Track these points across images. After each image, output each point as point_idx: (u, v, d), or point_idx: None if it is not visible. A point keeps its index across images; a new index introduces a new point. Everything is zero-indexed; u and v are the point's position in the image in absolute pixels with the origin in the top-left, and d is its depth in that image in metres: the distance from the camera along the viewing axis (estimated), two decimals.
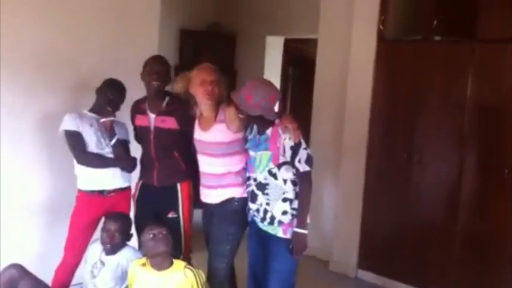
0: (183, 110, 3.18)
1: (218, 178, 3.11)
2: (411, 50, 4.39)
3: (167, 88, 3.33)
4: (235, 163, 3.10)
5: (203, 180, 3.18)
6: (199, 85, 3.05)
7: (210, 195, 3.16)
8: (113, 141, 3.31)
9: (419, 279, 4.30)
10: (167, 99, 3.25)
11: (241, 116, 2.95)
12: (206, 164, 3.14)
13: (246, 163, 3.10)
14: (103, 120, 3.29)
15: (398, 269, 4.43)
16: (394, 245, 4.46)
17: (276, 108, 3.11)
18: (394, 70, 4.48)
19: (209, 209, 3.21)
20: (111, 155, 3.34)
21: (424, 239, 4.27)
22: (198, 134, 3.15)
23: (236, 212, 3.12)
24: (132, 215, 3.42)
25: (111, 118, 3.30)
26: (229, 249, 3.12)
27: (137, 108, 3.35)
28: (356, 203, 4.65)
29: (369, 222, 4.61)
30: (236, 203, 3.12)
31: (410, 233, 4.35)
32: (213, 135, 3.08)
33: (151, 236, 2.92)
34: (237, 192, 3.11)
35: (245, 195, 3.11)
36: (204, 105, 3.10)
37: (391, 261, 4.48)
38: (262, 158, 2.98)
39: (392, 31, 4.49)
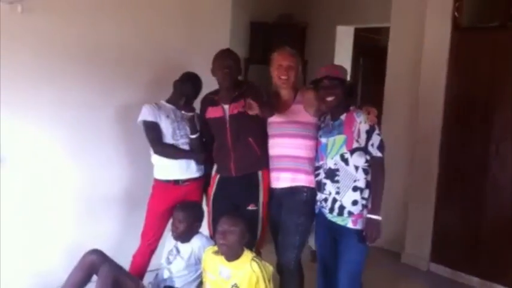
0: (250, 88, 3.22)
1: (290, 160, 3.14)
2: (487, 38, 4.23)
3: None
4: (307, 148, 3.12)
5: (275, 164, 3.20)
6: (275, 69, 3.18)
7: (282, 179, 3.18)
8: (195, 135, 3.38)
9: (496, 274, 4.16)
10: (238, 88, 3.27)
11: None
12: (280, 146, 3.18)
13: (316, 152, 3.11)
14: (187, 114, 3.33)
15: (473, 263, 4.30)
16: (468, 238, 4.34)
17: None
18: (470, 59, 4.33)
19: (278, 199, 3.23)
20: (185, 146, 3.43)
21: (501, 233, 4.12)
22: (276, 117, 3.17)
23: (305, 203, 3.13)
24: (204, 206, 3.47)
25: (192, 113, 3.34)
26: (299, 239, 3.14)
27: (209, 100, 3.37)
28: (429, 195, 4.55)
29: (442, 214, 4.50)
30: (305, 194, 3.13)
31: (487, 227, 4.21)
32: (291, 115, 3.13)
33: (220, 229, 2.97)
34: (307, 181, 3.13)
35: (313, 185, 3.12)
36: (281, 89, 3.18)
37: (466, 255, 4.36)
38: (335, 143, 2.98)
39: (467, 18, 4.35)
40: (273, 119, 3.18)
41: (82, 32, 3.68)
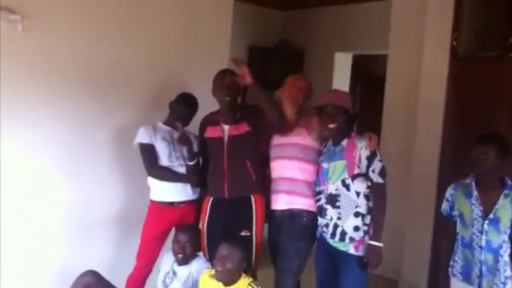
0: (256, 117, 3.22)
1: (290, 183, 3.14)
2: (485, 67, 4.25)
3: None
4: (305, 171, 3.12)
5: (275, 186, 3.21)
6: (287, 86, 3.23)
7: (279, 201, 3.18)
8: (193, 162, 3.37)
9: None
10: (240, 111, 3.29)
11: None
12: (280, 168, 3.18)
13: (318, 176, 3.10)
14: (177, 135, 3.34)
15: None
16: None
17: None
18: (468, 88, 4.35)
19: (277, 223, 3.21)
20: (181, 168, 3.41)
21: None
22: (277, 139, 3.21)
23: (305, 227, 3.11)
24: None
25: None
26: (298, 264, 3.11)
27: (209, 120, 3.37)
28: (427, 223, 4.53)
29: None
30: (305, 218, 3.12)
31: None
32: (292, 137, 3.15)
33: (218, 256, 2.94)
34: (306, 205, 3.12)
35: (313, 209, 3.11)
36: (287, 107, 3.19)
37: None
38: (336, 168, 2.99)
39: (465, 47, 4.37)
40: (275, 142, 3.21)
41: (81, 52, 3.68)
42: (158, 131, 3.44)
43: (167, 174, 3.40)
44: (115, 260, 3.87)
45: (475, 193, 2.81)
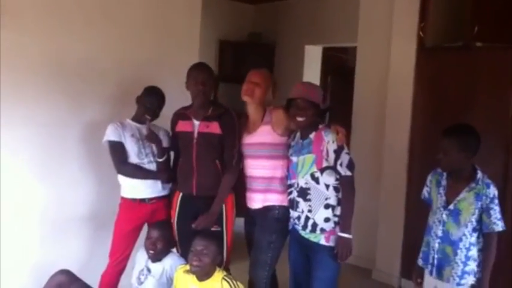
0: (227, 116, 3.22)
1: (261, 181, 3.15)
2: (452, 58, 4.33)
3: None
4: (277, 167, 3.14)
5: (249, 185, 3.22)
6: (244, 83, 3.20)
7: (255, 200, 3.19)
8: (163, 158, 3.36)
9: None
10: (212, 107, 3.27)
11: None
12: (252, 167, 3.19)
13: (288, 170, 3.12)
14: (145, 133, 3.33)
15: None
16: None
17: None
18: (435, 78, 4.43)
19: (251, 217, 3.24)
20: (150, 165, 3.39)
21: None
22: (245, 138, 3.21)
23: (277, 220, 3.13)
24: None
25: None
26: (271, 257, 3.13)
27: (180, 115, 3.35)
28: (398, 211, 4.60)
29: (412, 229, 4.54)
30: (277, 211, 3.14)
31: None
32: (258, 136, 3.15)
33: (193, 251, 2.95)
34: (278, 200, 3.14)
35: (285, 203, 3.13)
36: (248, 104, 3.19)
37: None
38: (305, 162, 3.00)
39: (432, 38, 4.45)
40: (244, 140, 3.21)
41: (47, 49, 3.62)
42: (127, 128, 3.40)
43: (136, 172, 3.38)
44: (89, 258, 3.84)
45: (444, 182, 2.84)
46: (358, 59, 5.19)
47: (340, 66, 6.66)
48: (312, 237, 3.02)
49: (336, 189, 2.98)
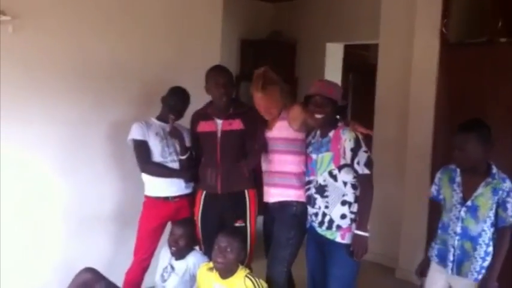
0: (250, 112, 3.26)
1: (279, 176, 3.17)
2: (475, 53, 4.27)
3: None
4: (294, 163, 3.15)
5: (267, 180, 3.24)
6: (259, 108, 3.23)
7: (272, 194, 3.21)
8: (184, 157, 3.39)
9: None
10: (234, 105, 3.30)
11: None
12: (268, 162, 3.22)
13: (307, 167, 3.13)
14: (168, 129, 3.36)
15: None
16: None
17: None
18: (458, 74, 4.38)
19: (271, 215, 3.25)
20: (174, 164, 3.43)
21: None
22: (267, 133, 3.24)
23: (294, 216, 3.14)
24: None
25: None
26: (289, 253, 3.13)
27: (201, 115, 3.37)
28: (422, 209, 4.56)
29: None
30: (294, 208, 3.15)
31: None
32: (276, 131, 3.18)
33: (217, 248, 2.96)
34: (296, 195, 3.15)
35: (303, 199, 3.14)
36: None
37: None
38: (323, 160, 3.01)
39: (455, 34, 4.40)
40: (266, 135, 3.23)
41: (72, 49, 3.68)
42: (151, 127, 3.45)
43: (160, 170, 3.41)
44: (113, 255, 3.90)
45: (458, 179, 2.81)
46: (380, 55, 5.15)
47: (361, 64, 6.63)
48: (328, 235, 3.02)
49: (353, 186, 2.98)
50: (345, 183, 2.97)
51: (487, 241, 2.73)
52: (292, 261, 3.18)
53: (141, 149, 3.40)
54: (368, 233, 2.94)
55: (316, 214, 3.05)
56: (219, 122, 3.27)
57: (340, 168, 2.96)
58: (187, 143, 3.42)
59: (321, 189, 3.02)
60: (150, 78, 4.01)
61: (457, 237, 2.78)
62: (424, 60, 4.55)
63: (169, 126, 3.37)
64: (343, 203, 2.98)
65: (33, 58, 3.52)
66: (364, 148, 2.93)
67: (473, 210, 2.74)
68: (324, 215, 3.01)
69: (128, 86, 3.95)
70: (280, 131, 3.17)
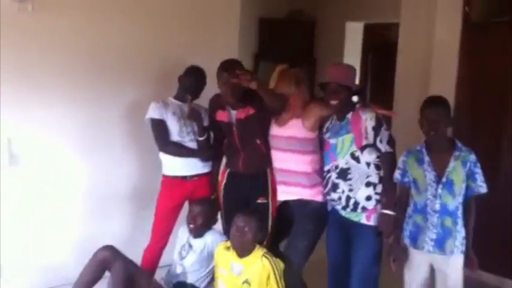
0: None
1: (292, 175, 3.14)
2: (498, 32, 4.19)
3: None
4: (305, 163, 3.11)
5: (278, 177, 3.22)
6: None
7: (287, 193, 3.19)
8: (204, 137, 3.39)
9: (509, 271, 4.11)
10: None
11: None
12: (280, 160, 3.19)
13: (325, 155, 3.09)
14: (187, 113, 3.35)
15: (486, 261, 4.25)
16: (481, 237, 4.29)
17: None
18: (481, 53, 4.30)
19: (289, 207, 3.23)
20: (192, 143, 3.43)
21: None
22: (274, 130, 3.19)
23: (316, 210, 3.13)
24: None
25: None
26: (307, 245, 3.10)
27: (218, 103, 3.33)
28: None
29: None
30: (315, 204, 3.13)
31: (498, 226, 4.15)
32: (288, 130, 3.12)
33: (234, 227, 2.98)
34: (312, 195, 3.12)
35: (319, 199, 3.12)
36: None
37: (479, 254, 4.31)
38: (344, 142, 2.99)
39: (478, 13, 4.31)
40: (272, 132, 3.20)
41: (91, 30, 3.69)
42: (169, 106, 3.45)
43: (178, 150, 3.43)
44: (131, 234, 3.94)
45: (427, 158, 2.80)
46: (401, 35, 5.08)
47: (381, 43, 6.53)
48: (353, 217, 3.00)
49: (377, 167, 2.96)
50: (368, 164, 2.96)
51: (461, 214, 2.79)
52: (308, 254, 3.14)
53: (159, 128, 3.41)
54: (395, 212, 2.92)
55: (339, 198, 3.03)
56: (233, 112, 3.25)
57: (362, 149, 2.94)
58: (206, 123, 3.42)
59: (343, 173, 3.00)
60: (167, 57, 3.99)
61: (437, 215, 2.77)
62: (446, 40, 4.47)
63: (187, 108, 3.36)
64: (368, 184, 2.96)
65: (51, 38, 3.54)
66: (385, 126, 2.92)
67: (449, 186, 2.75)
68: (348, 198, 2.99)
69: (145, 66, 3.95)
70: (293, 130, 3.10)
